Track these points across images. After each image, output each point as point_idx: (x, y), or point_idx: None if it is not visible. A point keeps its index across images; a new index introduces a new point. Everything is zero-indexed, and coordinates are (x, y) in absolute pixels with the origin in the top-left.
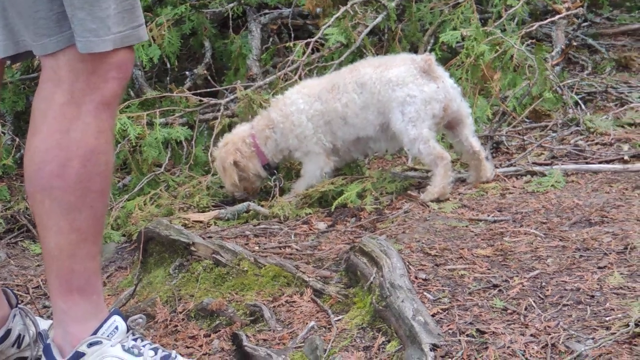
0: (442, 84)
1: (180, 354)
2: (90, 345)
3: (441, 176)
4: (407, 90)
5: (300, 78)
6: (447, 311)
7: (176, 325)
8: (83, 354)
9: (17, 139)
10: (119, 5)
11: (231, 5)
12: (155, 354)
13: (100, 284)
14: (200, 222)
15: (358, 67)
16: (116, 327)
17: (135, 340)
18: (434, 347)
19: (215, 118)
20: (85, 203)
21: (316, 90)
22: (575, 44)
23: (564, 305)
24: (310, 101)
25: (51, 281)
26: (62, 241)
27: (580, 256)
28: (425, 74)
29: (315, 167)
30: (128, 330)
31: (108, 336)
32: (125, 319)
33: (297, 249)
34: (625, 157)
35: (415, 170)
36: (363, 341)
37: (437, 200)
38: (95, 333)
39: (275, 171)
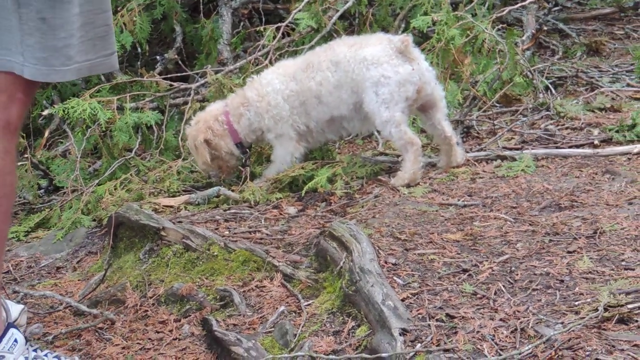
0: (417, 66)
1: None
2: None
3: (411, 162)
4: (381, 71)
5: (270, 62)
6: (416, 296)
7: (146, 310)
8: None
9: None
10: (89, 33)
11: None
12: None
13: (1, 300)
14: (171, 207)
15: (333, 46)
16: (15, 340)
17: (35, 351)
18: (404, 331)
19: (186, 103)
20: None
21: (291, 70)
22: (546, 28)
23: (534, 289)
24: (286, 81)
25: None
26: None
27: (550, 241)
28: (401, 55)
29: (286, 152)
30: (26, 342)
31: (9, 350)
32: (21, 331)
33: (267, 234)
34: (595, 142)
35: (386, 155)
36: (333, 326)
37: (407, 186)
38: None
39: (247, 150)
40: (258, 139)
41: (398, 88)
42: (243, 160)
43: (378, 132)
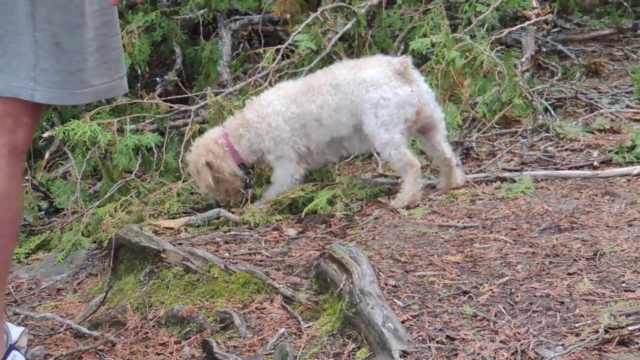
0: (416, 88)
1: None
2: None
3: (411, 184)
4: (380, 92)
5: (270, 84)
6: (417, 318)
7: (147, 332)
8: None
9: None
10: (104, 56)
11: (202, 11)
12: None
13: (2, 322)
14: (171, 228)
15: (333, 69)
16: None
17: None
18: (404, 353)
19: (186, 124)
20: None
21: (292, 92)
22: (545, 49)
23: (534, 311)
24: (287, 103)
25: None
26: None
27: (550, 262)
28: (401, 77)
29: (286, 174)
30: None
31: None
32: (22, 352)
33: (267, 256)
34: (595, 163)
35: (385, 176)
36: (333, 348)
37: (407, 207)
38: None
39: (250, 170)
40: (259, 160)
41: (397, 110)
42: (247, 181)
43: (377, 153)
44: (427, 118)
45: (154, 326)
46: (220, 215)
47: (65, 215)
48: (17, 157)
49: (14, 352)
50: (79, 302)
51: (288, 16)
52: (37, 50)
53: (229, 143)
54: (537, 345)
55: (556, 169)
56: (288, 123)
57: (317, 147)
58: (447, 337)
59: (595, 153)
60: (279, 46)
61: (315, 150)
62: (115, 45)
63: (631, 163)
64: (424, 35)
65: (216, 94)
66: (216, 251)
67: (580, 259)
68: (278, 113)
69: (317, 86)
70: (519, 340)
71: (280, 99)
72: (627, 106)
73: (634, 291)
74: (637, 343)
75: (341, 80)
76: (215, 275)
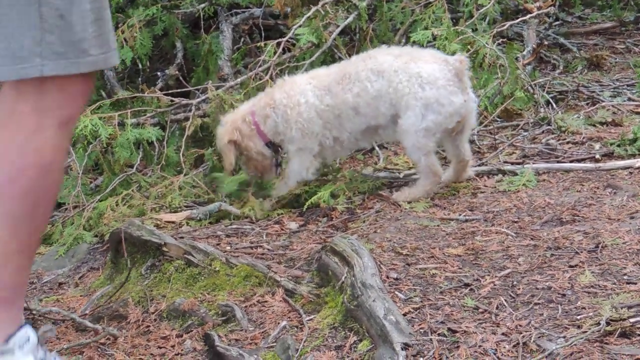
0: (467, 97)
1: None
2: (2, 353)
3: (424, 187)
4: (437, 94)
5: (271, 78)
6: (418, 310)
7: (148, 326)
8: None
9: None
10: (102, 28)
11: (202, 5)
12: None
13: (23, 297)
14: (172, 222)
15: (374, 55)
16: (28, 338)
17: (46, 352)
18: (406, 346)
19: (187, 118)
20: (31, 215)
21: (326, 81)
22: (546, 43)
23: (535, 304)
24: (321, 95)
25: None
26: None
27: (552, 255)
28: (457, 79)
29: (302, 167)
30: (38, 343)
31: (20, 346)
32: (35, 331)
33: (268, 249)
34: (597, 156)
35: (387, 170)
36: (335, 341)
37: (408, 202)
38: (7, 341)
39: (280, 148)
40: (281, 142)
41: (445, 119)
42: (275, 160)
43: (406, 150)
44: (464, 125)
45: (155, 320)
46: (222, 208)
47: (66, 209)
48: (67, 130)
49: (27, 328)
50: (81, 295)
51: (289, 10)
52: (43, 24)
53: (255, 122)
54: (539, 337)
55: (558, 161)
56: (321, 116)
57: (351, 135)
58: (449, 329)
59: (597, 146)
60: (280, 40)
61: (348, 139)
62: (107, 17)
63: (633, 156)
64: (425, 29)
65: (217, 88)
66: (217, 245)
67: (581, 252)
68: (311, 105)
69: (354, 73)
70: (521, 333)
71: (314, 89)
72: (629, 99)
73: (635, 283)
74: (638, 335)
75: (386, 68)
76: (217, 269)
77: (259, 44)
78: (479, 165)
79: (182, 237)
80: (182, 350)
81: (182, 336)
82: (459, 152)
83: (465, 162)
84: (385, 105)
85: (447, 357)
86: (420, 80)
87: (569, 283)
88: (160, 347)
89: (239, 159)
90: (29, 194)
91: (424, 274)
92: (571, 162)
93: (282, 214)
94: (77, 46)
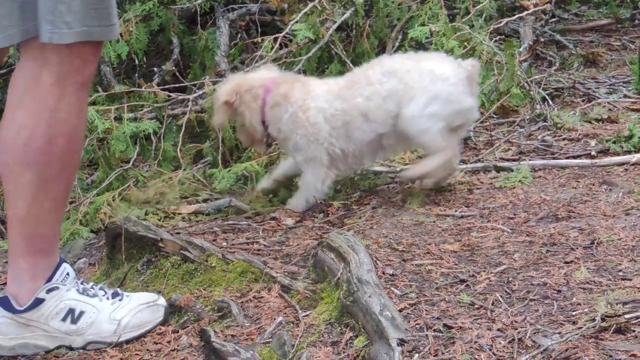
0: (475, 104)
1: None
2: (49, 291)
3: (433, 161)
4: (447, 90)
5: None
6: (414, 306)
7: None
8: (43, 300)
9: None
10: (102, 3)
11: (199, 1)
12: (105, 292)
13: (58, 244)
14: (181, 214)
15: (384, 60)
16: (67, 274)
17: (82, 283)
18: (401, 342)
19: (184, 113)
20: (62, 176)
21: (336, 89)
22: (543, 39)
23: (531, 300)
24: (330, 99)
25: (15, 242)
26: (36, 209)
27: (547, 251)
28: (468, 82)
29: (316, 179)
30: (75, 276)
31: (62, 282)
32: (72, 266)
33: (265, 245)
34: (592, 153)
35: (383, 165)
36: (331, 336)
37: (412, 181)
38: (49, 280)
39: (272, 143)
40: (277, 139)
41: (450, 115)
42: (267, 139)
43: (412, 137)
44: (460, 129)
45: None
46: (231, 204)
47: None
48: (85, 91)
49: (64, 265)
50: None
51: (285, 6)
52: None
53: (265, 100)
54: (534, 333)
55: (554, 158)
56: (329, 121)
57: (356, 148)
58: (445, 325)
59: (592, 142)
60: (276, 35)
61: (353, 153)
62: None
63: (629, 152)
64: (422, 25)
65: (214, 83)
66: (214, 240)
67: (577, 248)
68: (320, 110)
69: (364, 77)
70: (516, 329)
71: (325, 94)
72: (625, 96)
73: (630, 279)
74: (633, 331)
75: (398, 68)
76: (213, 265)
77: (255, 40)
78: (475, 162)
79: (178, 233)
80: (178, 346)
81: (178, 332)
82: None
83: (452, 171)
84: (392, 104)
85: (442, 353)
86: (432, 76)
87: (564, 279)
88: (156, 343)
89: (232, 122)
90: (60, 159)
91: (419, 270)
92: (567, 158)
93: (279, 208)
94: (79, 17)
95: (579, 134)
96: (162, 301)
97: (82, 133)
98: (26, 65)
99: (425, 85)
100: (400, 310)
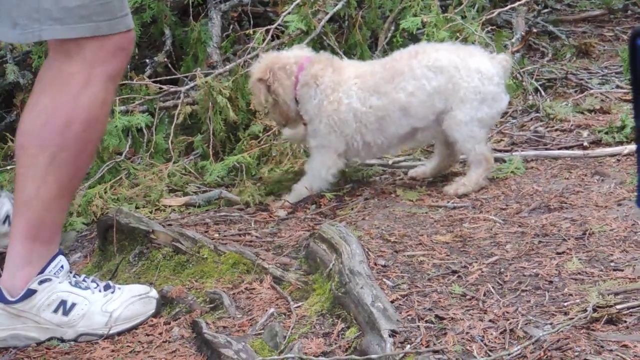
0: (506, 97)
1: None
2: (41, 282)
3: (478, 175)
4: (493, 91)
5: None
6: (406, 297)
7: None
8: (35, 291)
9: None
10: None
11: None
12: (97, 285)
13: (59, 237)
14: (172, 206)
15: (429, 52)
16: (61, 266)
17: (75, 276)
18: (393, 333)
19: (176, 106)
20: (75, 163)
21: (372, 81)
22: (535, 30)
23: (523, 290)
24: (365, 97)
25: (19, 226)
26: (44, 192)
27: (539, 242)
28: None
29: (322, 165)
30: (70, 269)
31: (55, 274)
32: (67, 259)
33: (256, 236)
34: (585, 144)
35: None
36: (323, 327)
37: (459, 196)
38: (42, 272)
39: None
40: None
41: (496, 115)
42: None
43: (456, 142)
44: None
45: None
46: (222, 196)
47: None
48: (114, 84)
49: (60, 257)
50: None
51: None
52: None
53: (298, 78)
54: (526, 324)
55: (546, 149)
56: (359, 119)
57: (386, 140)
58: (436, 316)
59: (585, 133)
60: (268, 27)
61: (381, 145)
62: None
63: (621, 143)
64: (415, 16)
65: (206, 75)
66: (206, 232)
67: (569, 239)
68: (351, 109)
69: (408, 70)
70: (508, 320)
71: (358, 91)
72: (617, 86)
73: (622, 270)
74: (625, 322)
75: (445, 65)
76: (205, 256)
77: (247, 32)
78: None
79: (170, 225)
80: (169, 337)
81: (169, 323)
82: (452, 151)
83: (456, 162)
84: (441, 102)
85: (434, 344)
86: (480, 76)
87: (556, 270)
88: (148, 335)
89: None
90: (75, 145)
91: (411, 261)
92: (559, 149)
93: (274, 200)
94: (74, 12)
95: (572, 125)
96: (154, 293)
97: (101, 125)
98: (52, 58)
99: (475, 86)
100: (392, 302)
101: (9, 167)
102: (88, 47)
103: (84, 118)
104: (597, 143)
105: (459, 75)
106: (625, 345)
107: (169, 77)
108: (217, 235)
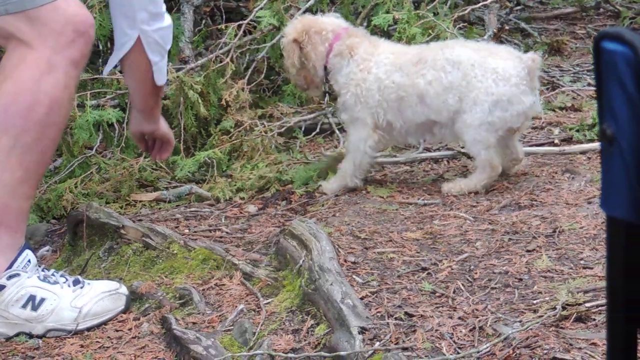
0: (535, 98)
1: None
2: (10, 277)
3: (478, 179)
4: (509, 93)
5: (232, 60)
6: (375, 294)
7: None
8: (3, 287)
9: None
10: None
11: None
12: (66, 280)
13: (25, 226)
14: (142, 201)
15: (456, 47)
16: (29, 260)
17: (44, 270)
18: (363, 330)
19: None
20: (38, 146)
21: (402, 60)
22: (507, 27)
23: (492, 288)
24: (391, 70)
25: None
26: (7, 177)
27: (509, 239)
28: (529, 78)
29: (359, 139)
30: (37, 263)
31: (23, 268)
32: (34, 252)
33: (227, 232)
34: (556, 141)
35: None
36: (292, 324)
37: (454, 194)
38: (10, 267)
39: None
40: (332, 90)
41: (512, 118)
42: (325, 85)
43: (464, 144)
44: (521, 128)
45: None
46: (192, 191)
47: None
48: (75, 71)
49: (27, 251)
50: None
51: None
52: None
53: (332, 45)
54: (495, 321)
55: None
56: (381, 93)
57: (404, 125)
58: (406, 313)
59: (556, 131)
60: (241, 22)
61: (400, 129)
62: None
63: (592, 141)
64: (387, 12)
65: (177, 70)
66: (176, 227)
67: (539, 236)
68: (377, 79)
69: (431, 59)
70: (477, 317)
71: (387, 65)
72: (589, 84)
73: (592, 268)
74: (594, 319)
75: (464, 60)
76: (175, 252)
77: (220, 27)
78: (439, 150)
79: (140, 220)
80: (139, 333)
81: (139, 319)
82: (509, 151)
83: (519, 160)
84: (454, 99)
85: (403, 341)
86: (495, 76)
87: (525, 267)
88: (117, 331)
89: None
90: (37, 127)
91: (382, 258)
92: (530, 146)
93: (244, 198)
94: None
95: (543, 122)
96: (124, 290)
97: (64, 109)
98: (13, 46)
99: (488, 86)
100: (361, 298)
101: None
102: (48, 31)
103: (46, 102)
104: (568, 141)
105: (473, 74)
106: (594, 344)
107: None
108: (188, 230)
